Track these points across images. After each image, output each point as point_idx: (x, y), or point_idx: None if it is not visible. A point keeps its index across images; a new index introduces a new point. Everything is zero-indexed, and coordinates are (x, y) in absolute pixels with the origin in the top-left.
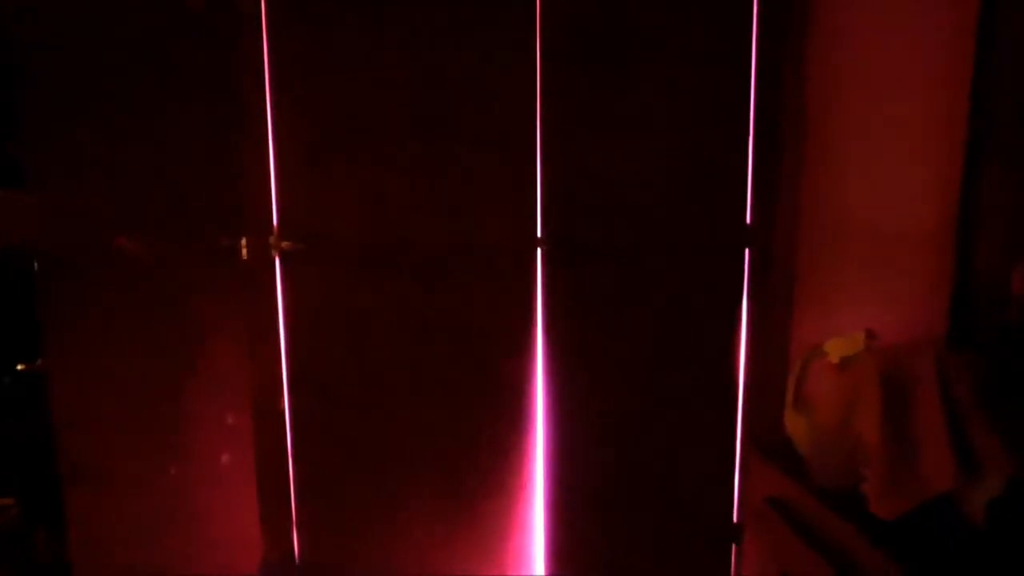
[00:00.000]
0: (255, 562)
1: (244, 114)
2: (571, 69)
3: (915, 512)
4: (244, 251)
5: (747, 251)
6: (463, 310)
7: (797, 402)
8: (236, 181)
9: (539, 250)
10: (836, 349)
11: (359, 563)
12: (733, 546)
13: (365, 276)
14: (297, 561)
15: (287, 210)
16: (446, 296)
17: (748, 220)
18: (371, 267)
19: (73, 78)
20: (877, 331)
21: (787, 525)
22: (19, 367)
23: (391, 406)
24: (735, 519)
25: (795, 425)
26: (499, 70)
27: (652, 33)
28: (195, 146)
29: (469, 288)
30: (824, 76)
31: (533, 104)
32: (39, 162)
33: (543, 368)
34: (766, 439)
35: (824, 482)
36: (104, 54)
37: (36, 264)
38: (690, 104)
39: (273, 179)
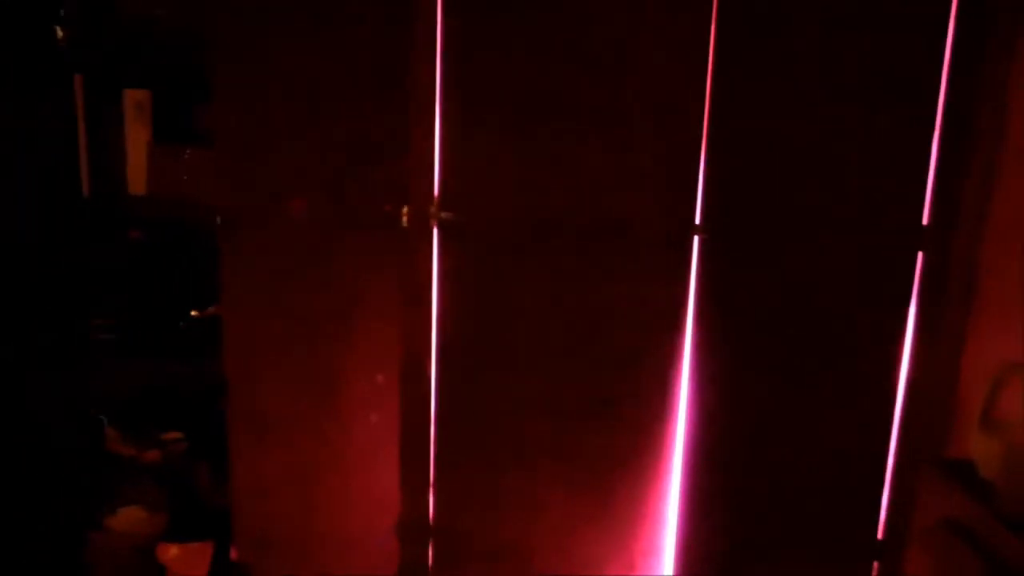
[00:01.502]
0: (392, 520)
1: (414, 89)
2: (745, 52)
3: None
4: (405, 218)
5: (920, 254)
6: (614, 293)
7: (987, 421)
8: (403, 152)
9: (695, 237)
10: None
11: (491, 533)
12: (875, 564)
13: (517, 250)
14: (432, 524)
15: (448, 182)
16: (597, 277)
17: (925, 221)
18: (524, 242)
19: (261, 51)
20: None
21: (965, 548)
22: (193, 313)
23: (534, 384)
24: (880, 536)
25: (983, 446)
26: (670, 49)
27: (832, 9)
28: (368, 118)
29: (621, 271)
30: None
31: (703, 89)
32: (227, 126)
33: (690, 360)
34: (930, 457)
35: (1011, 509)
36: (287, 27)
37: (219, 219)
38: (870, 89)
39: (437, 151)
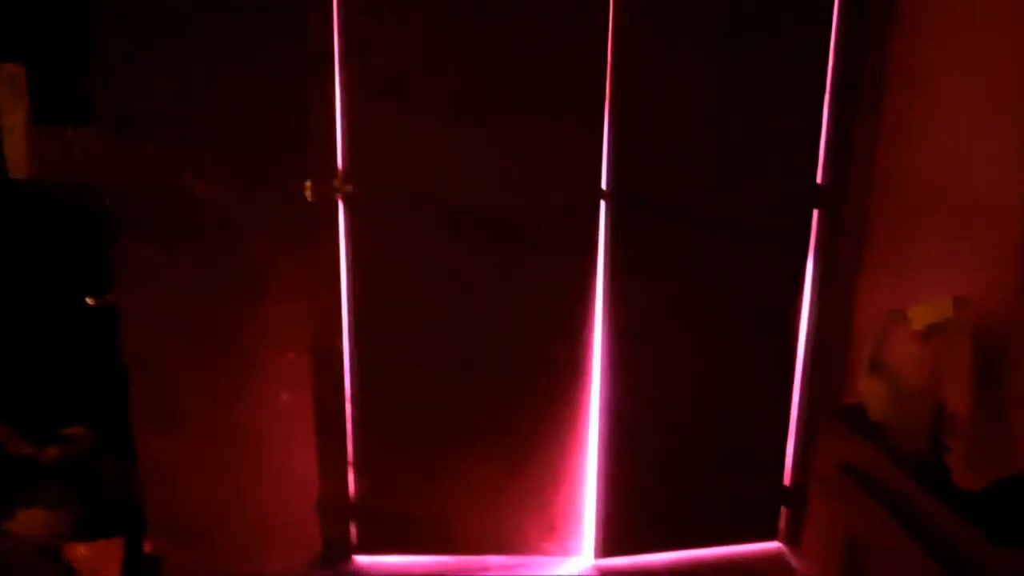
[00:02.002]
0: (312, 499)
1: (311, 57)
2: (642, 21)
3: (1000, 483)
4: (308, 193)
5: (816, 212)
6: (525, 263)
7: (875, 367)
8: (302, 124)
9: (602, 204)
10: (921, 316)
11: (412, 507)
12: (783, 508)
13: (427, 223)
14: (352, 500)
15: (353, 155)
16: (507, 248)
17: (819, 180)
18: (433, 214)
19: (143, 17)
20: (967, 299)
21: (863, 491)
22: (89, 301)
23: (449, 354)
24: (787, 483)
25: (872, 391)
26: (571, 21)
27: None
28: (264, 87)
29: (532, 242)
30: (908, 36)
31: (604, 58)
32: (109, 100)
33: (602, 324)
34: (829, 404)
35: (902, 450)
36: None
37: (107, 201)
38: (763, 57)
39: (339, 123)
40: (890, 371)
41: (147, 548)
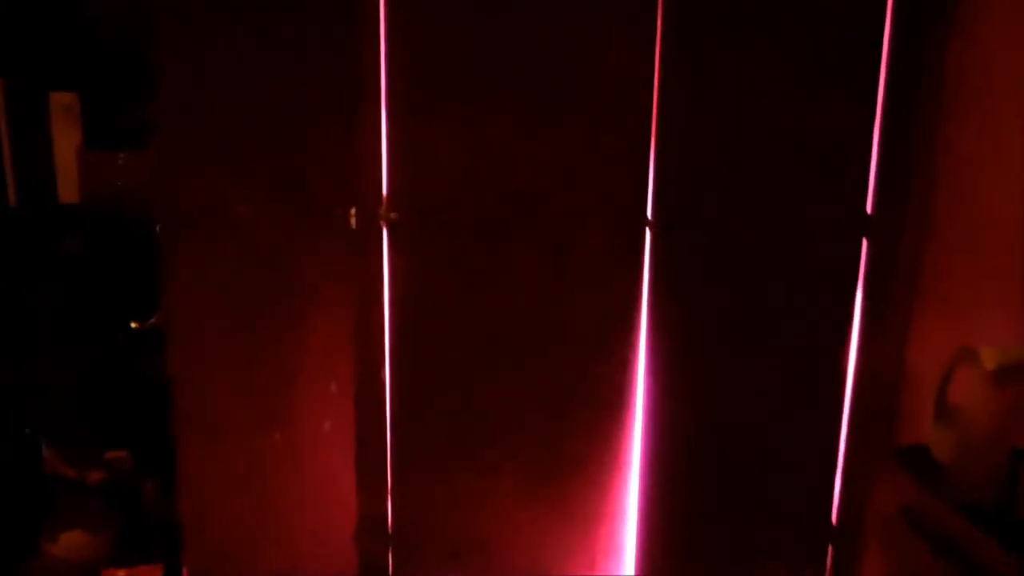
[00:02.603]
0: (351, 524)
1: (360, 89)
2: (691, 41)
3: None
4: (353, 220)
5: (865, 242)
6: (568, 289)
7: (941, 409)
8: (349, 151)
9: (647, 231)
10: (993, 357)
11: (450, 533)
12: (830, 547)
13: (469, 250)
14: (390, 530)
15: (397, 181)
16: (550, 274)
17: (869, 210)
18: (477, 241)
19: (193, 45)
20: None
21: (922, 536)
22: (133, 325)
23: (490, 383)
24: (834, 521)
25: (938, 431)
26: (619, 37)
27: (779, 4)
28: (310, 114)
29: (576, 267)
30: (968, 52)
31: (651, 86)
32: (163, 125)
33: (645, 355)
34: (881, 443)
35: (969, 496)
36: (226, 23)
37: (159, 226)
38: (813, 83)
39: (384, 152)
40: (958, 413)
41: (185, 574)
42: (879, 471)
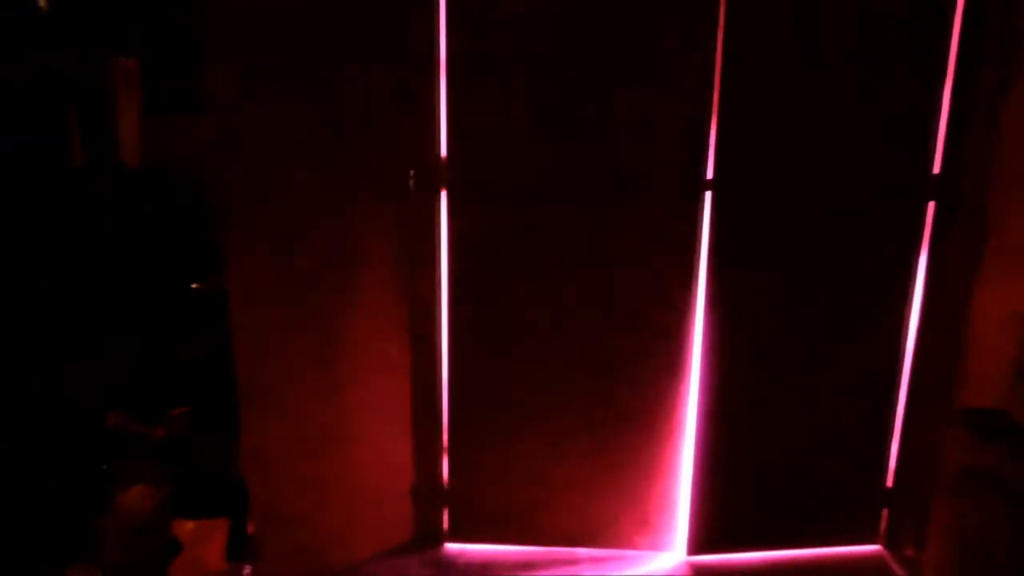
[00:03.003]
0: (407, 484)
1: (418, 53)
2: (754, 9)
3: None
4: (412, 182)
5: (931, 204)
6: (624, 249)
7: (1022, 372)
8: (406, 113)
9: (707, 193)
10: None
11: (504, 494)
12: (885, 511)
13: (526, 212)
14: (446, 487)
15: (455, 143)
16: (608, 235)
17: (935, 170)
18: (532, 204)
19: (251, 11)
20: None
21: (1000, 497)
22: (193, 285)
23: (544, 343)
24: (889, 484)
25: (1020, 394)
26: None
27: None
28: (367, 77)
29: (632, 228)
30: None
31: (713, 40)
32: (219, 90)
33: (702, 315)
34: (943, 405)
35: None
36: None
37: (218, 187)
38: (880, 40)
39: (444, 115)
40: None
41: (251, 529)
42: (941, 434)
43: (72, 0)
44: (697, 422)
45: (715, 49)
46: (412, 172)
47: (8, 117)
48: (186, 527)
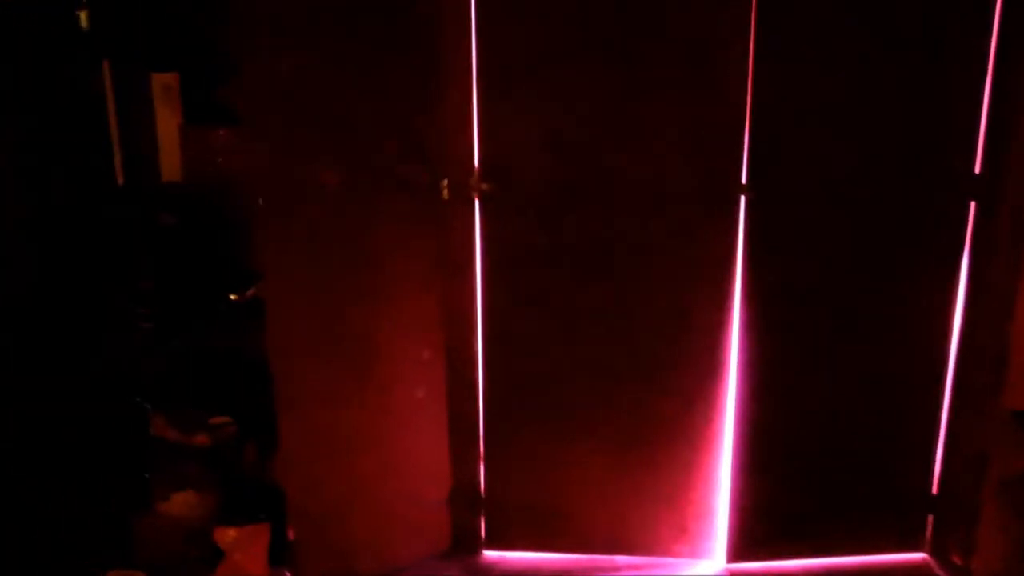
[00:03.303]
0: (444, 490)
1: (451, 61)
2: (788, 4)
3: None
4: (445, 192)
5: (972, 204)
6: (658, 254)
7: None
8: (440, 123)
9: (742, 197)
10: None
11: (542, 500)
12: (929, 517)
13: (560, 220)
14: (482, 494)
15: (488, 152)
16: (643, 239)
17: (977, 169)
18: (566, 211)
19: (284, 25)
20: None
21: None
22: (232, 297)
23: (580, 349)
24: (934, 490)
25: None
26: (713, 5)
27: None
28: (401, 87)
29: (666, 232)
30: None
31: (746, 39)
32: (253, 101)
33: (739, 316)
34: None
35: None
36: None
37: (260, 200)
38: (918, 38)
39: (476, 123)
40: None
41: (291, 535)
42: (989, 438)
43: (112, 17)
44: (735, 428)
45: (748, 47)
46: (445, 182)
47: (51, 135)
48: (228, 534)
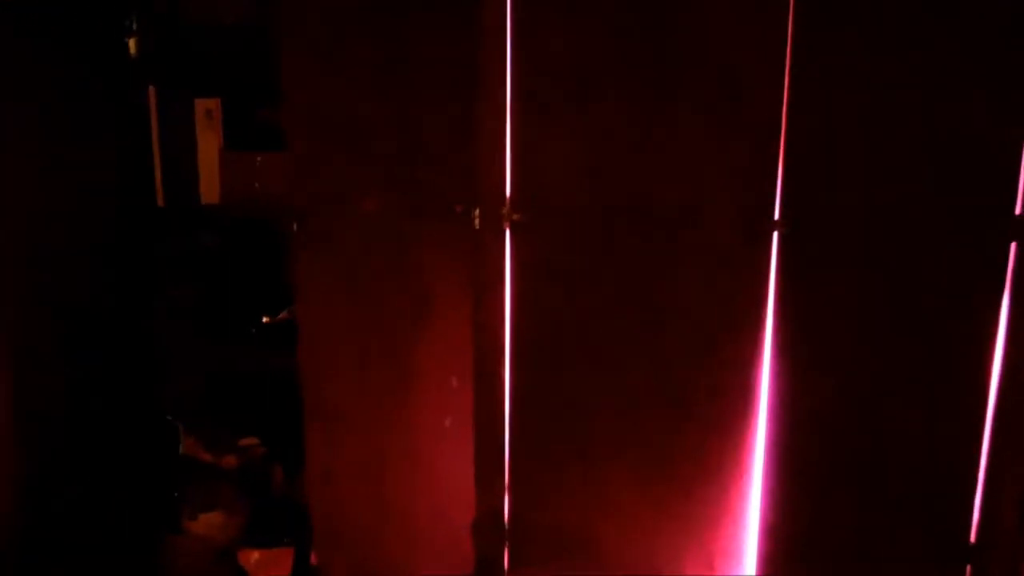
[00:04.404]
0: (469, 514)
1: (483, 89)
2: (825, 34)
3: None
4: (477, 221)
5: (1014, 245)
6: (689, 288)
7: None
8: (473, 153)
9: (775, 232)
10: None
11: (567, 530)
12: (968, 568)
13: (590, 246)
14: (507, 522)
15: (520, 181)
16: (672, 272)
17: (1018, 211)
18: (596, 238)
19: (327, 49)
20: None
21: None
22: (264, 319)
23: (609, 378)
24: (972, 539)
25: None
26: (747, 32)
27: None
28: (436, 115)
29: (697, 265)
30: None
31: (781, 74)
32: (294, 127)
33: (771, 356)
34: None
35: None
36: (352, 25)
37: (295, 224)
38: (958, 74)
39: (508, 150)
40: None
41: (314, 560)
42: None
43: (159, 44)
44: (764, 467)
45: (783, 74)
46: (477, 211)
47: (95, 158)
48: (252, 556)
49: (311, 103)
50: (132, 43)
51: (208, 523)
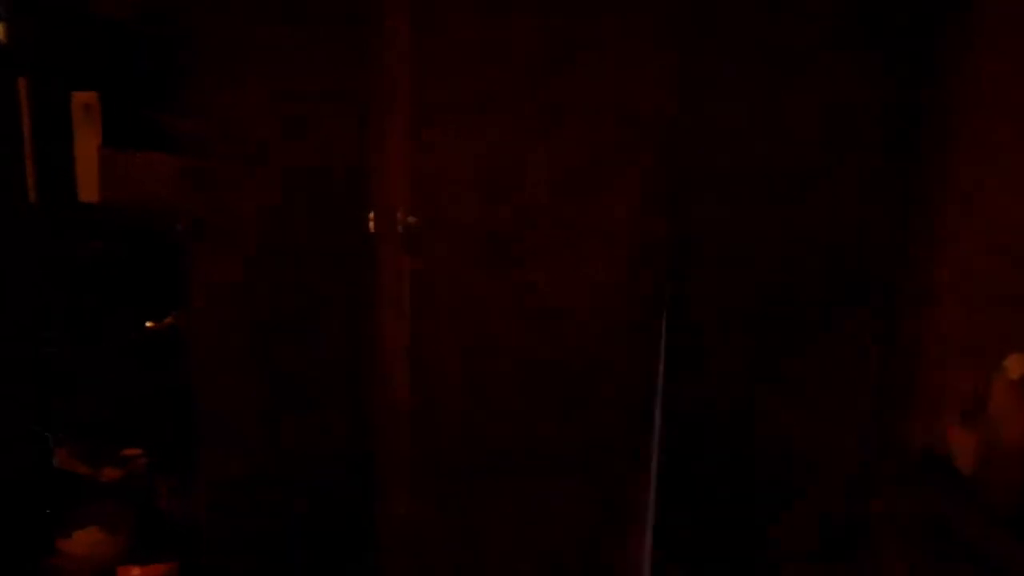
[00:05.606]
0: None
1: (381, 94)
2: (711, 60)
3: None
4: (371, 224)
5: None
6: (578, 304)
7: (967, 415)
8: (367, 153)
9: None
10: (1019, 365)
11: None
12: None
13: (484, 258)
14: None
15: (416, 185)
16: (560, 287)
17: None
18: (490, 250)
19: (229, 52)
20: None
21: (952, 546)
22: (148, 324)
23: (501, 390)
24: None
25: (964, 439)
26: (633, 48)
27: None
28: (334, 122)
29: (588, 279)
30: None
31: (672, 94)
32: (177, 126)
33: (663, 368)
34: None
35: (994, 501)
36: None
37: (180, 225)
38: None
39: (404, 154)
40: (983, 421)
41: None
42: (897, 478)
43: (32, 33)
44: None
45: (671, 103)
46: (371, 214)
47: None
48: (131, 573)
49: (197, 105)
50: (1, 29)
51: (85, 541)
